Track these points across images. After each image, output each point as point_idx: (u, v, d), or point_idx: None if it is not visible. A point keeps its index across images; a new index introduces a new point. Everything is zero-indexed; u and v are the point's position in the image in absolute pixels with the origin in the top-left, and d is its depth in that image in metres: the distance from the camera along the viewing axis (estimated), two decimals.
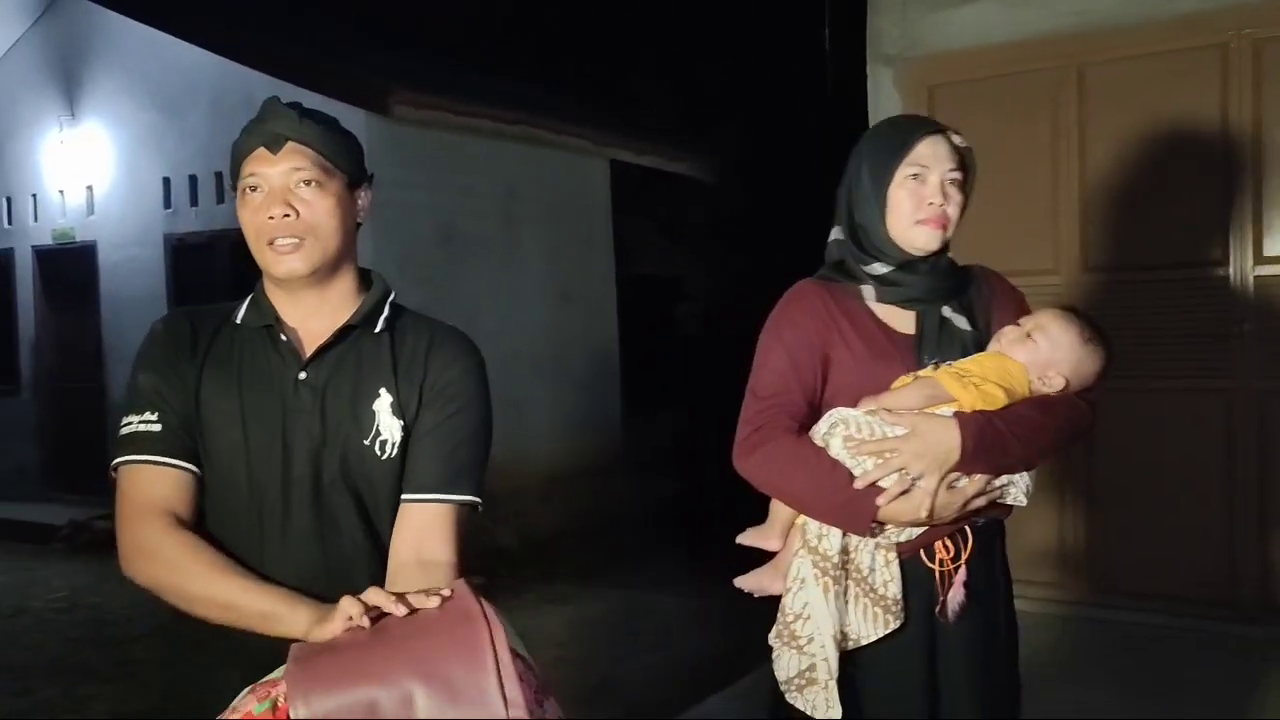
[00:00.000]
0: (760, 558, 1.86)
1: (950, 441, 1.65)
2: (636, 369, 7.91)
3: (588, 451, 7.47)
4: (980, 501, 1.72)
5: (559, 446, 7.19)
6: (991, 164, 4.57)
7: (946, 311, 1.83)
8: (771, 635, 1.79)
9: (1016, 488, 1.76)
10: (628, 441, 7.93)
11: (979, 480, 1.70)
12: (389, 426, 1.55)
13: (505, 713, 1.18)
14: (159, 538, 1.47)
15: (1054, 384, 1.77)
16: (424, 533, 1.54)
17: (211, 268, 6.68)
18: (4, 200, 8.29)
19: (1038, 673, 3.72)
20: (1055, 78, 4.43)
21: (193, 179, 7.03)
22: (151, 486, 1.50)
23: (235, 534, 1.52)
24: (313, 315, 1.59)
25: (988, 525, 1.82)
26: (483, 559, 5.13)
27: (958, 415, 1.68)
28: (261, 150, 1.53)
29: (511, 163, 7.06)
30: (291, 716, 1.18)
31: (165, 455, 1.51)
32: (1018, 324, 1.82)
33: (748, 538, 1.85)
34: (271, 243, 1.52)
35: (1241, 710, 3.48)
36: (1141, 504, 4.33)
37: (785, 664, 1.75)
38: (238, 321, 1.60)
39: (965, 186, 1.87)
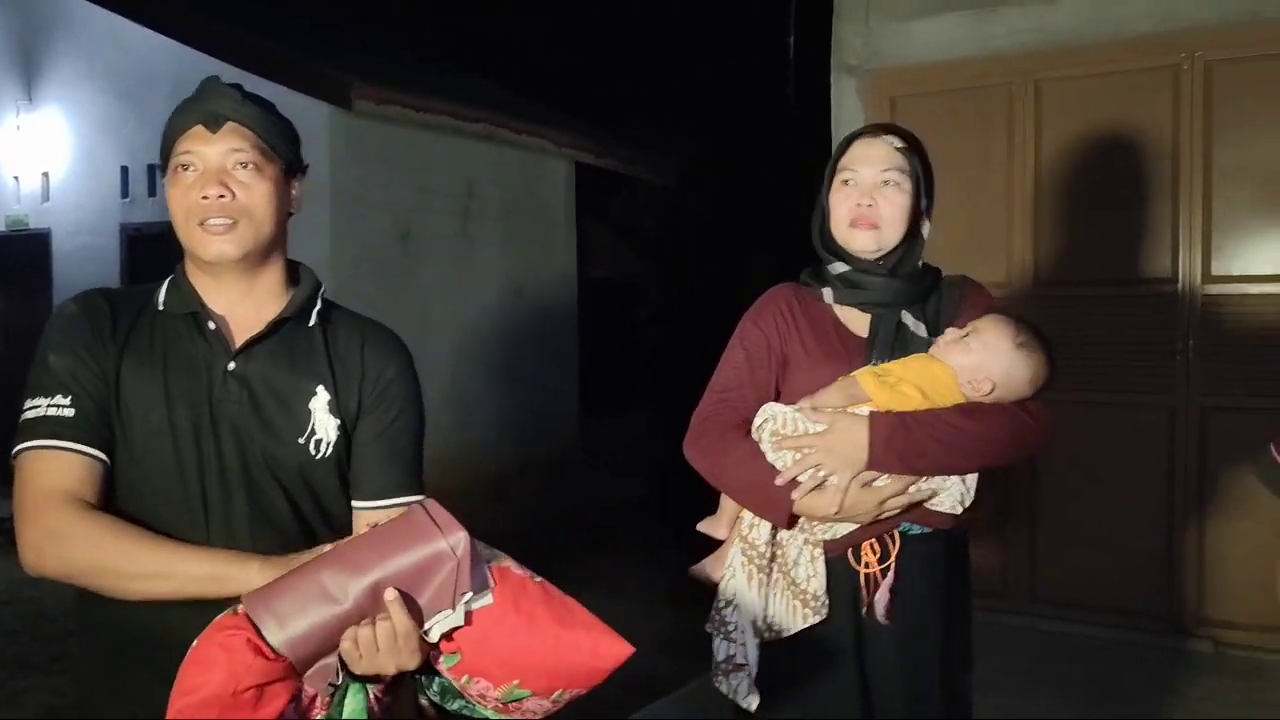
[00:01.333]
0: (715, 547, 1.91)
1: (860, 440, 1.69)
2: (595, 370, 7.91)
3: (542, 451, 7.45)
4: (898, 503, 1.72)
5: (512, 445, 7.17)
6: (949, 177, 4.64)
7: (906, 317, 1.85)
8: (708, 622, 1.85)
9: (949, 495, 1.74)
10: (585, 442, 7.93)
11: (898, 482, 1.71)
12: (325, 425, 1.50)
13: (443, 542, 1.23)
14: (73, 520, 1.37)
15: (981, 389, 1.74)
16: None
17: (168, 258, 6.53)
18: None
19: (978, 680, 3.81)
20: (1012, 93, 4.51)
21: (151, 168, 6.91)
22: (60, 474, 1.39)
23: (167, 519, 1.43)
24: (239, 303, 1.53)
25: (933, 534, 1.81)
26: None
27: (871, 415, 1.71)
28: (199, 129, 1.48)
29: (471, 161, 7.03)
30: (269, 640, 1.19)
31: (77, 441, 1.41)
32: (958, 327, 1.81)
33: (703, 525, 1.91)
34: (203, 223, 1.47)
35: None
36: (1084, 516, 4.40)
37: (716, 649, 1.83)
38: (160, 306, 1.53)
39: (915, 187, 1.88)
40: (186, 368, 1.48)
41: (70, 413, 1.42)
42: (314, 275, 1.61)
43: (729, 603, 1.80)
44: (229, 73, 5.97)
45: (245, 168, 1.48)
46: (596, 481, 7.64)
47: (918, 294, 1.88)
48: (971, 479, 1.76)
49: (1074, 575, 4.42)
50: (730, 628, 1.80)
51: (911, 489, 1.73)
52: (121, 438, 1.45)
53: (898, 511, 1.74)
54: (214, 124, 1.48)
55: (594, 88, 7.43)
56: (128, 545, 1.37)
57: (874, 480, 1.71)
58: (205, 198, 1.46)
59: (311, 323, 1.56)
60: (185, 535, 1.42)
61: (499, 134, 7.22)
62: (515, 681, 1.26)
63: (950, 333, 1.79)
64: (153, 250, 6.70)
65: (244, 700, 1.17)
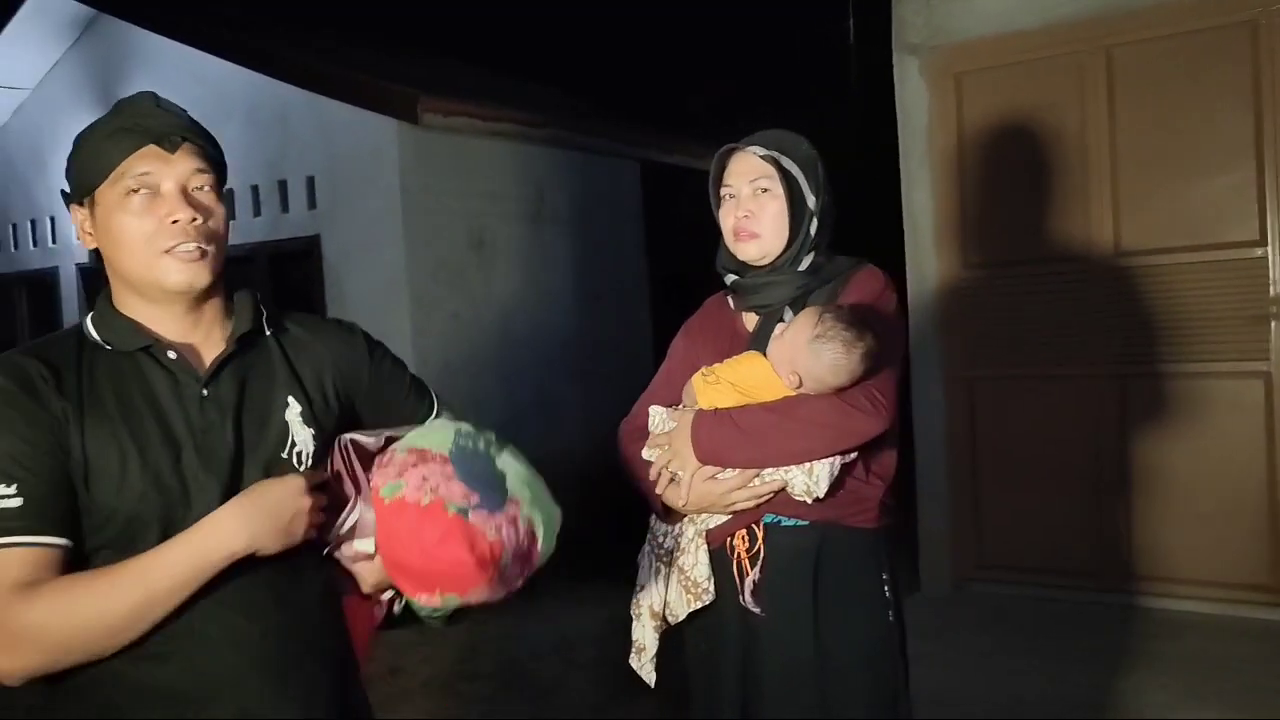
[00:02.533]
0: None
1: (689, 437, 1.82)
2: None
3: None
4: (743, 495, 1.80)
5: (593, 448, 7.22)
6: (1019, 152, 4.59)
7: (788, 315, 1.89)
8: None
9: (796, 485, 1.77)
10: None
11: (740, 476, 1.79)
12: (303, 438, 1.45)
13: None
14: (30, 606, 1.24)
15: (791, 382, 1.78)
16: None
17: (249, 280, 6.78)
18: (48, 220, 8.46)
19: (1078, 658, 3.76)
20: (1082, 62, 4.40)
21: (229, 193, 7.13)
22: (14, 570, 1.25)
23: None
24: (191, 331, 1.44)
25: (808, 526, 1.83)
26: None
27: (696, 413, 1.83)
28: (153, 148, 1.38)
29: (540, 165, 7.10)
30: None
31: (29, 533, 1.27)
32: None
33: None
34: (170, 250, 1.37)
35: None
36: (1176, 488, 4.30)
37: (632, 630, 1.97)
38: (106, 346, 1.39)
39: (790, 189, 1.89)
40: (152, 407, 1.37)
41: (18, 502, 1.27)
42: (246, 289, 1.54)
43: (640, 587, 1.96)
44: (297, 95, 6.14)
45: (204, 190, 1.42)
46: None
47: (805, 290, 1.90)
48: (820, 470, 1.75)
49: (1172, 551, 4.31)
50: (638, 612, 1.95)
51: (755, 481, 1.79)
52: (90, 502, 1.31)
53: (754, 502, 1.81)
54: (171, 143, 1.39)
55: (656, 85, 7.45)
56: (95, 582, 1.28)
57: (718, 474, 1.81)
58: (175, 220, 1.37)
59: (267, 333, 1.51)
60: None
61: (565, 138, 7.28)
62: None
63: (779, 327, 1.84)
64: (233, 272, 6.92)
65: None
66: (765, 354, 1.84)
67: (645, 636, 1.93)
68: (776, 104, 7.93)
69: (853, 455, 1.79)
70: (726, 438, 1.78)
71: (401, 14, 9.59)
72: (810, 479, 1.76)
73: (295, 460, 1.44)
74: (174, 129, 1.40)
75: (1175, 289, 4.23)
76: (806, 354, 1.75)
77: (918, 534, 4.85)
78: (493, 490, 1.40)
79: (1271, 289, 4.07)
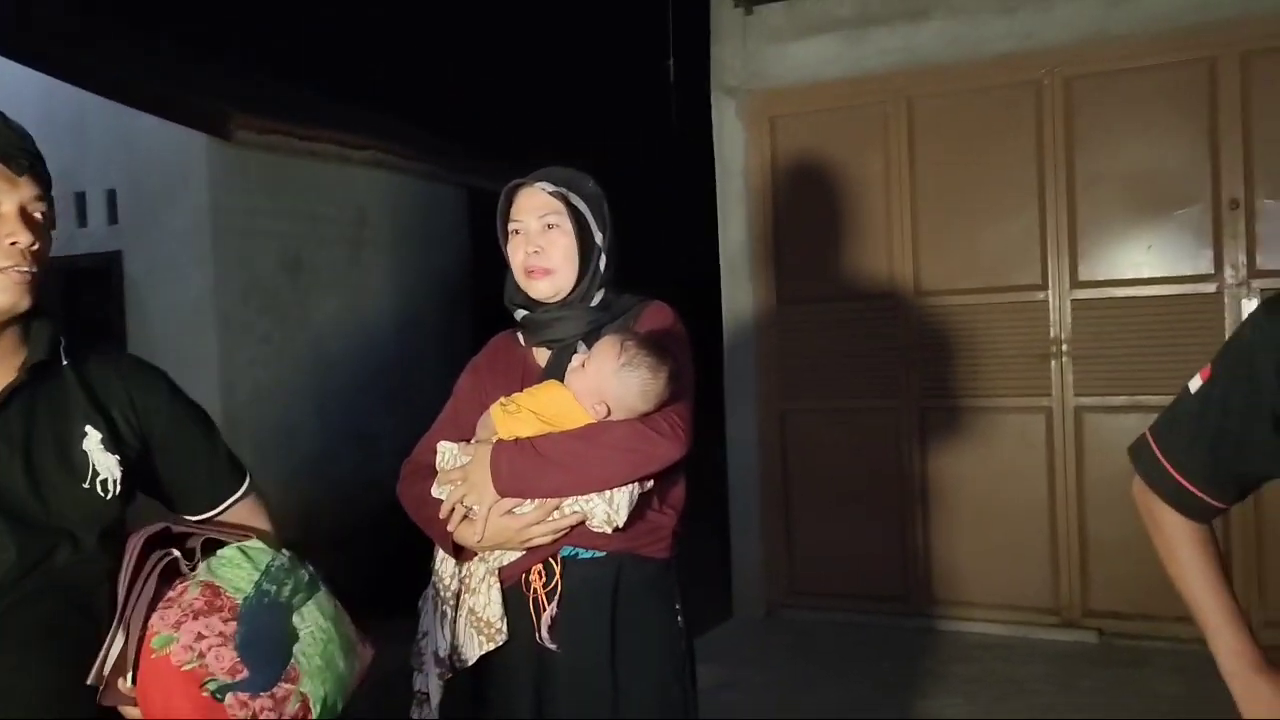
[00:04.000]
0: None
1: (485, 468, 1.76)
2: None
3: None
4: (541, 530, 1.75)
5: None
6: (828, 192, 4.81)
7: (580, 348, 1.89)
8: (409, 655, 1.91)
9: (597, 515, 1.75)
10: None
11: (540, 509, 1.75)
12: (106, 465, 1.41)
13: None
14: None
15: (599, 411, 1.76)
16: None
17: (42, 297, 6.32)
18: None
19: (880, 681, 3.92)
20: (886, 111, 4.66)
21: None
22: None
23: None
24: None
25: (605, 558, 1.81)
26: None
27: (496, 443, 1.77)
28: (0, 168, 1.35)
29: (361, 188, 6.94)
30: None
31: None
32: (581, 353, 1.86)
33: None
34: (4, 269, 1.34)
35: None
36: (971, 517, 4.56)
37: (414, 681, 1.88)
38: None
39: (578, 225, 1.90)
40: None
41: None
42: (46, 318, 1.48)
43: (423, 634, 1.87)
44: (97, 102, 5.80)
45: (40, 215, 1.39)
46: None
47: (598, 324, 1.92)
48: (620, 498, 1.75)
49: (967, 576, 4.56)
50: (421, 659, 1.87)
51: (555, 514, 1.75)
52: None
53: (550, 539, 1.78)
54: (19, 166, 1.36)
55: (483, 114, 7.44)
56: None
57: (515, 507, 1.76)
58: (15, 243, 1.34)
59: (64, 363, 1.46)
60: None
61: (389, 161, 7.15)
62: None
63: (576, 358, 1.84)
64: None
65: None
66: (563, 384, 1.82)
67: (430, 685, 1.85)
68: (602, 137, 8.04)
69: (649, 484, 1.79)
70: (530, 466, 1.73)
71: (216, 26, 9.24)
72: (611, 508, 1.74)
73: (100, 489, 1.40)
74: (20, 151, 1.36)
75: (968, 328, 4.51)
76: (614, 381, 1.75)
77: (731, 561, 4.96)
78: (268, 663, 1.35)
79: (1051, 330, 4.39)
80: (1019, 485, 4.47)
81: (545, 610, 1.80)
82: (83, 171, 5.94)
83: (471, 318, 7.95)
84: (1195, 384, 1.42)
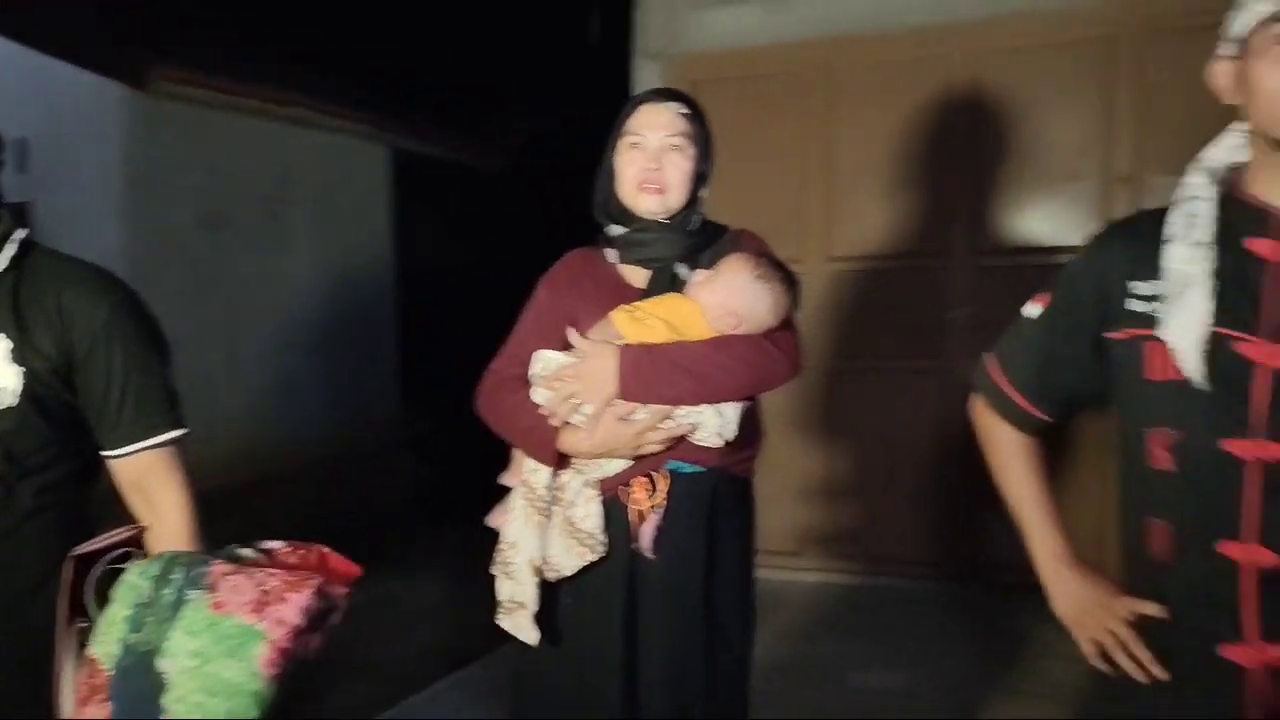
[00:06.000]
0: None
1: (609, 369, 1.77)
2: (415, 356, 7.87)
3: (363, 437, 7.38)
4: (655, 436, 1.79)
5: (333, 432, 7.08)
6: (747, 158, 4.90)
7: (681, 269, 1.93)
8: (492, 563, 1.91)
9: (706, 429, 1.81)
10: (405, 427, 7.88)
11: (654, 415, 1.78)
12: (6, 375, 1.43)
13: None
14: None
15: (727, 322, 1.82)
16: (144, 485, 1.55)
17: None
18: None
19: (776, 630, 4.07)
20: (805, 80, 4.77)
21: None
22: None
23: None
24: None
25: (704, 473, 1.86)
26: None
27: (621, 346, 1.79)
28: None
29: (283, 145, 6.88)
30: None
31: None
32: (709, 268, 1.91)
33: (502, 478, 1.98)
34: None
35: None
36: (870, 473, 4.73)
37: (499, 589, 1.89)
38: None
39: (698, 152, 1.95)
40: None
41: None
42: (10, 219, 1.53)
43: (511, 544, 1.87)
44: (18, 54, 5.67)
45: None
46: (417, 466, 7.61)
47: (694, 248, 1.96)
48: (731, 412, 1.81)
49: (861, 531, 4.74)
50: (511, 568, 1.87)
51: (668, 423, 1.80)
52: None
53: (661, 448, 1.82)
54: None
55: (408, 74, 7.37)
56: None
57: (630, 414, 1.79)
58: None
59: (2, 267, 1.48)
60: None
61: (314, 118, 7.10)
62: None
63: (700, 273, 1.89)
64: None
65: None
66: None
67: (527, 593, 1.84)
68: (529, 100, 8.04)
69: (749, 402, 1.86)
70: (658, 371, 1.77)
71: None
72: (723, 420, 1.80)
73: None
74: None
75: (878, 293, 4.66)
76: (748, 294, 1.81)
77: None
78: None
79: (954, 296, 4.56)
80: (913, 444, 4.65)
81: (647, 522, 1.84)
82: None
83: (396, 276, 7.94)
84: (1030, 310, 1.59)
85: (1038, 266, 4.42)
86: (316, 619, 1.46)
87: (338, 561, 1.56)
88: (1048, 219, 4.42)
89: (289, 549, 1.67)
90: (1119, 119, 4.29)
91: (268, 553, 1.62)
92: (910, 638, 4.05)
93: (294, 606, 1.44)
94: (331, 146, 7.35)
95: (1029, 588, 1.51)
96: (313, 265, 7.16)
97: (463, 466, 7.37)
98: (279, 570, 1.49)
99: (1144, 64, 4.24)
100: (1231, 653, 1.34)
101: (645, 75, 5.00)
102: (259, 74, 7.10)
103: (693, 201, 1.97)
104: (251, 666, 1.40)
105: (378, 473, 7.29)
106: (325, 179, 7.29)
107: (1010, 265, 4.47)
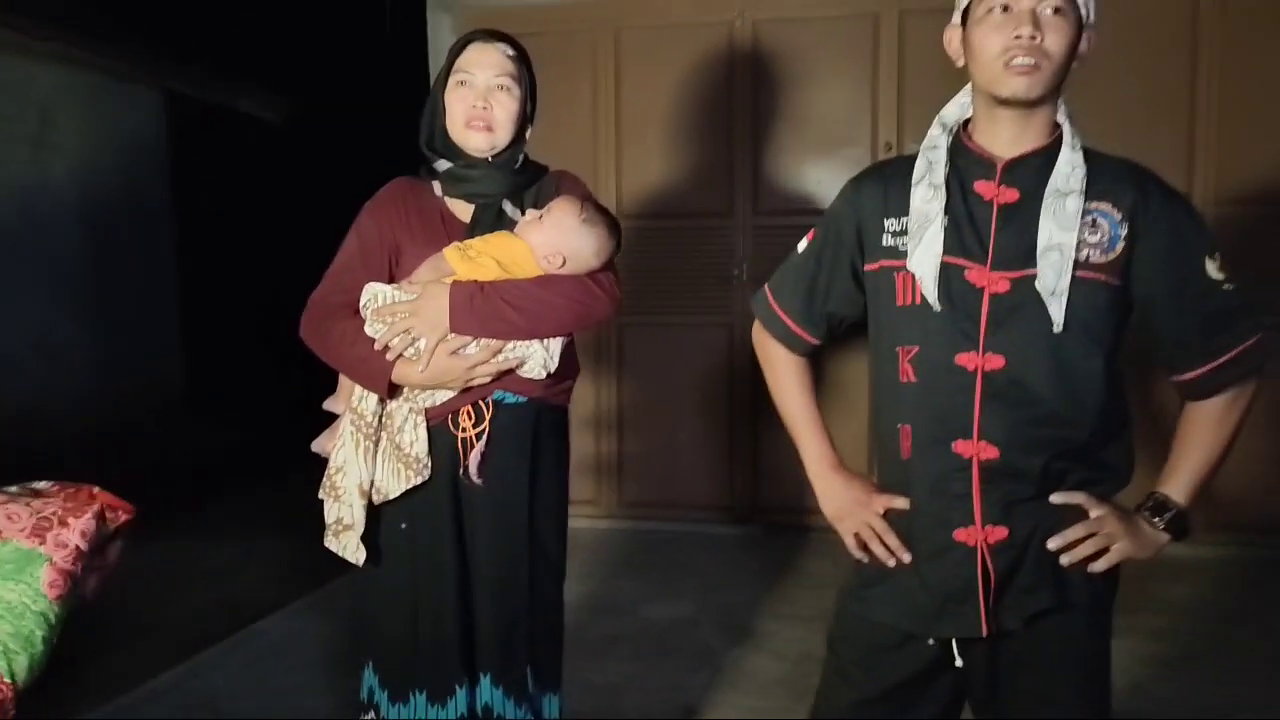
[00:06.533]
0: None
1: (442, 305, 1.87)
2: (197, 312, 7.53)
3: (143, 397, 7.02)
4: (487, 370, 1.92)
5: (108, 393, 6.71)
6: (538, 115, 4.97)
7: (506, 205, 2.04)
8: (319, 489, 1.99)
9: (534, 361, 1.95)
10: (189, 387, 7.55)
11: (485, 350, 1.90)
12: None
13: None
14: None
15: (554, 262, 1.94)
16: None
17: None
18: None
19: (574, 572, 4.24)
20: (595, 39, 4.90)
21: None
22: None
23: None
24: None
25: (526, 403, 2.01)
26: None
27: (453, 283, 1.90)
28: None
29: (43, 84, 6.41)
30: None
31: None
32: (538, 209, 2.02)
33: (326, 404, 2.07)
34: None
35: (739, 590, 4.19)
36: (660, 426, 4.97)
37: (327, 512, 1.98)
38: None
39: (524, 92, 2.07)
40: None
41: None
42: None
43: (339, 469, 1.96)
44: None
45: None
46: (202, 427, 7.32)
47: (518, 186, 2.07)
48: (555, 346, 1.96)
49: (652, 479, 4.98)
50: (339, 491, 1.95)
51: (498, 357, 1.91)
52: None
53: (489, 379, 1.94)
54: None
55: (189, 16, 7.00)
56: None
57: (462, 348, 1.90)
58: None
59: None
60: None
61: (76, 56, 6.63)
62: None
63: (530, 213, 2.00)
64: None
65: None
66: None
67: (355, 514, 1.93)
68: (313, 48, 7.79)
69: (569, 338, 1.99)
70: (490, 307, 1.87)
71: None
72: (548, 354, 1.93)
73: None
74: None
75: (665, 250, 4.87)
76: (575, 236, 1.92)
77: None
78: None
79: (735, 255, 4.83)
80: (704, 395, 4.91)
81: (474, 448, 1.95)
82: None
83: (173, 226, 7.55)
84: (802, 245, 1.79)
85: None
86: (97, 547, 1.48)
87: (108, 498, 1.58)
88: (822, 183, 4.74)
89: (57, 487, 1.67)
90: (882, 91, 4.65)
91: (36, 492, 1.61)
92: (697, 575, 4.32)
93: (75, 530, 1.51)
94: (98, 87, 6.89)
95: (806, 528, 1.73)
96: (80, 215, 6.72)
97: (250, 429, 7.18)
98: (55, 499, 1.51)
99: (902, 43, 4.60)
100: (963, 535, 1.58)
101: (439, 27, 5.00)
102: (12, 4, 6.57)
103: (518, 140, 2.07)
104: (34, 587, 1.45)
105: (161, 432, 6.96)
106: (91, 122, 6.83)
107: (788, 225, 4.77)
